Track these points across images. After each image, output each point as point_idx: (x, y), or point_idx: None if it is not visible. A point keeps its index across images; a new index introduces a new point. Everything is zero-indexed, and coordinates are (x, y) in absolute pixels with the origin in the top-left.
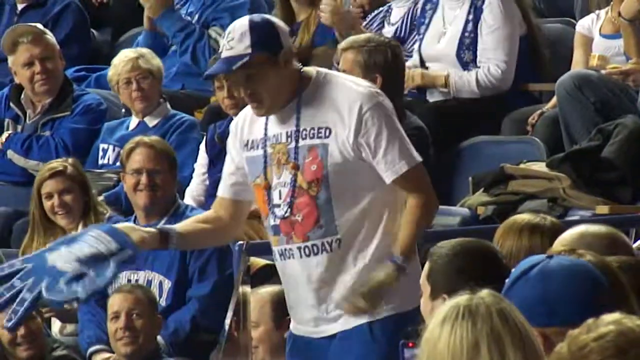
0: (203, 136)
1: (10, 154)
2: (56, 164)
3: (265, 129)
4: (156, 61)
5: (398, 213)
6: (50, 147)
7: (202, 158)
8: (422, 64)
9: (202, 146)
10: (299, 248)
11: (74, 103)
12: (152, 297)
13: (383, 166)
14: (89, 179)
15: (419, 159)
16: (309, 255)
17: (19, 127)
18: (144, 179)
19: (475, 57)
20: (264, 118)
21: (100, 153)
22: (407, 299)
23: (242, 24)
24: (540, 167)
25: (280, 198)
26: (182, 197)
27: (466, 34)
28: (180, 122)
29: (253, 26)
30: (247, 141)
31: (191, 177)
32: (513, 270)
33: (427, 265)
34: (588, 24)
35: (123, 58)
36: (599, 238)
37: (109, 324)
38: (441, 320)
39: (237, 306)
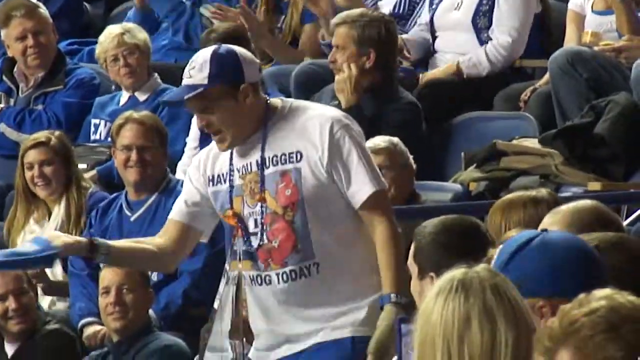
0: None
1: (2, 127)
2: (41, 134)
3: (230, 162)
4: (142, 35)
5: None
6: (43, 120)
7: (194, 132)
8: (433, 34)
9: (194, 120)
10: (277, 274)
11: (67, 77)
12: (143, 272)
13: (354, 187)
14: (82, 153)
15: (386, 185)
16: (286, 281)
17: (12, 101)
18: (133, 155)
19: (491, 23)
20: (227, 152)
21: (92, 128)
22: None
23: (205, 53)
24: (532, 143)
25: (255, 226)
26: (174, 172)
27: (484, 1)
28: None
29: (214, 57)
30: (212, 176)
31: (183, 152)
32: (501, 246)
33: (412, 246)
34: (580, 1)
35: (108, 35)
36: (587, 214)
37: (100, 298)
38: (436, 293)
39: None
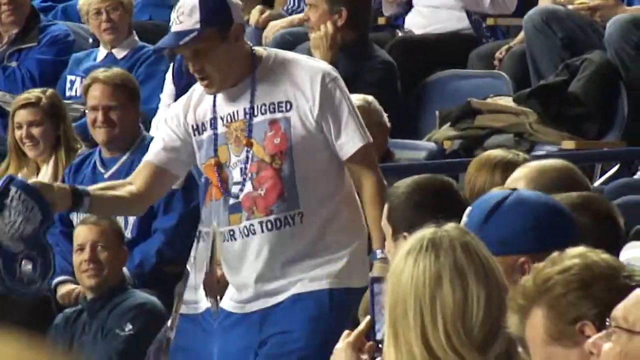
0: (169, 66)
1: None
2: (31, 94)
3: (214, 110)
4: None
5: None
6: (17, 77)
7: (169, 89)
8: None
9: (169, 76)
10: (261, 222)
11: (41, 34)
12: (117, 229)
13: (344, 138)
14: None
15: (371, 139)
16: (271, 230)
17: None
18: (100, 115)
19: None
20: (209, 100)
21: (68, 84)
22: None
23: None
24: (507, 102)
25: (241, 175)
26: (148, 129)
27: None
28: (149, 54)
29: (203, 1)
30: (195, 125)
31: (157, 109)
32: (472, 207)
33: (385, 207)
34: None
35: None
36: (553, 173)
37: (74, 255)
38: (406, 252)
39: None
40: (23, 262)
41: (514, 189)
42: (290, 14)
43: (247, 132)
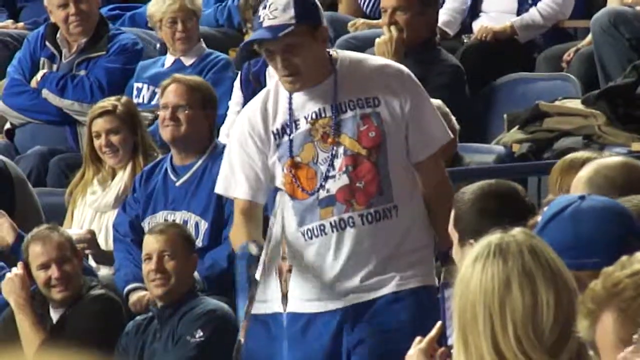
0: (238, 74)
1: (45, 93)
2: (107, 102)
3: (291, 111)
4: (199, 2)
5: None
6: (85, 86)
7: (237, 96)
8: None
9: (237, 84)
10: (361, 215)
11: (110, 42)
12: (186, 236)
13: (428, 135)
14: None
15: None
16: (371, 222)
17: (54, 66)
18: (168, 113)
19: None
20: (284, 102)
21: (135, 92)
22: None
23: None
24: (575, 104)
25: (334, 169)
26: (217, 135)
27: None
28: (216, 61)
29: None
30: (277, 130)
31: (226, 116)
32: (546, 209)
33: (452, 213)
34: None
35: None
36: (614, 170)
37: (143, 265)
38: (473, 259)
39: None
40: None
41: (583, 197)
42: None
43: (333, 127)
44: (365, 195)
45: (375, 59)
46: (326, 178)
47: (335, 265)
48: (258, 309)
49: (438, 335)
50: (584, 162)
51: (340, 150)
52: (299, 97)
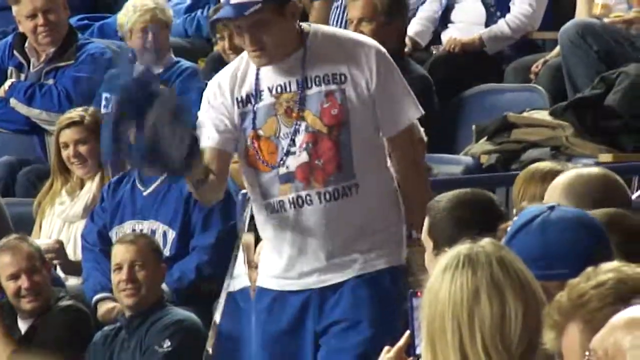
0: (206, 84)
1: (13, 102)
2: (74, 113)
3: (257, 83)
4: (170, 12)
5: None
6: (53, 95)
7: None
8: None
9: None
10: (319, 193)
11: (78, 52)
12: (155, 247)
13: (398, 110)
14: None
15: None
16: (329, 200)
17: (22, 76)
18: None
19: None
20: (252, 73)
21: (103, 102)
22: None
23: None
24: (543, 115)
25: (295, 145)
26: None
27: None
28: (183, 69)
29: None
30: (241, 98)
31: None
32: (515, 219)
33: (426, 221)
34: None
35: (141, 6)
36: (591, 181)
37: (112, 275)
38: (442, 269)
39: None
40: None
41: (552, 207)
42: None
43: (298, 103)
44: (323, 173)
45: (348, 34)
46: (287, 153)
47: (295, 243)
48: (230, 286)
49: (406, 344)
50: (546, 172)
51: (303, 126)
52: (266, 70)
